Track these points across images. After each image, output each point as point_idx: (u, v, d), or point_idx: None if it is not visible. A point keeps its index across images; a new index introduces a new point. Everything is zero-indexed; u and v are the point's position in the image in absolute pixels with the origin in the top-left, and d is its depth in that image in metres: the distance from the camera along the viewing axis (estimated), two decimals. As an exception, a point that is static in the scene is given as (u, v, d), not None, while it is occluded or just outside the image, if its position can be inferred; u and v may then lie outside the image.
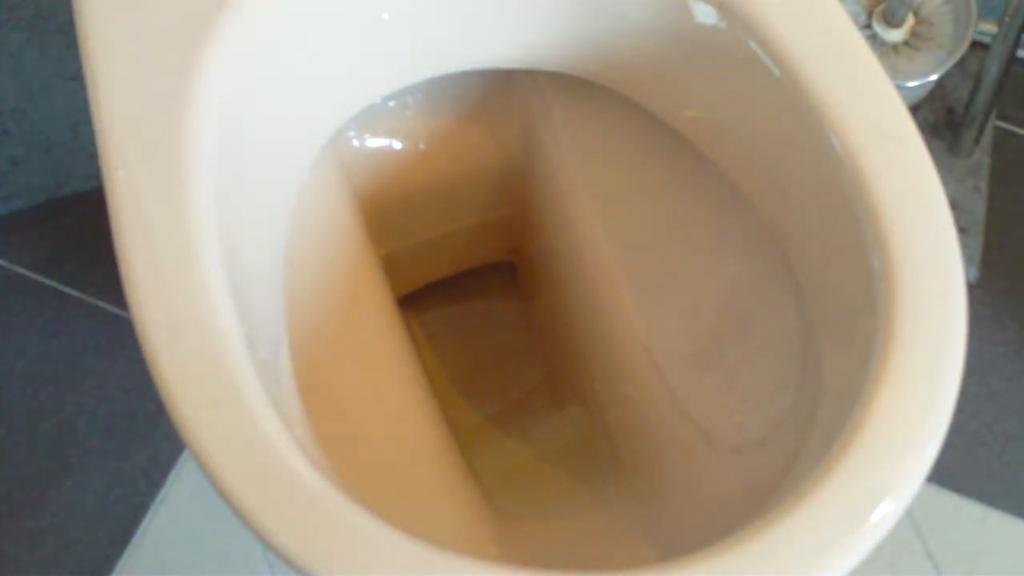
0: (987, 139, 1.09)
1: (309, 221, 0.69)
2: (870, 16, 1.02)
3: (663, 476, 0.71)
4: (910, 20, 1.01)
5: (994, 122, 1.12)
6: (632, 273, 0.74)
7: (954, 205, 1.06)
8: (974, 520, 0.95)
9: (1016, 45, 0.96)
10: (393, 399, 0.68)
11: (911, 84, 0.99)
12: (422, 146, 0.79)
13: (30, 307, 1.03)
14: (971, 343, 0.52)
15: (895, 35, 1.01)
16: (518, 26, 0.67)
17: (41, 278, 1.05)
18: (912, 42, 1.01)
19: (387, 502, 0.54)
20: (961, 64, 1.11)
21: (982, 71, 1.00)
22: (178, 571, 0.93)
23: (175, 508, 0.95)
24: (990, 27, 0.98)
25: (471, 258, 0.92)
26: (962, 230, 1.05)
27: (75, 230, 1.07)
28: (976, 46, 1.08)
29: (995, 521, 0.95)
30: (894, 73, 1.00)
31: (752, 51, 0.59)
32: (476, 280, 0.94)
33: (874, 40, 1.01)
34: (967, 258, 1.04)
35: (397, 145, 0.79)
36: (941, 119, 1.11)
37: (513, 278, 0.95)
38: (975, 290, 1.05)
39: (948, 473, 0.97)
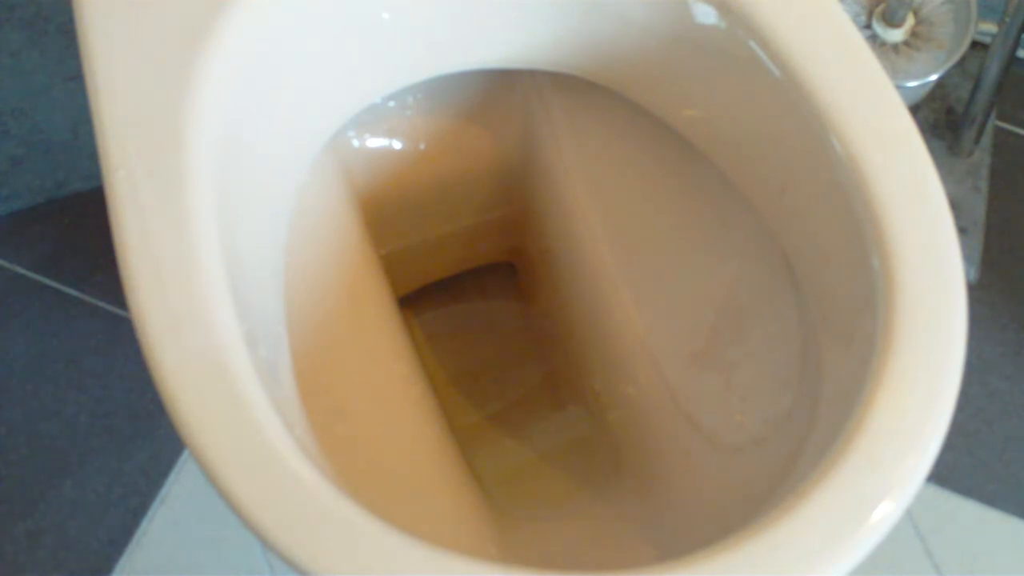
0: (987, 139, 1.09)
1: (309, 221, 0.69)
2: (870, 16, 1.02)
3: (663, 476, 0.71)
4: (910, 20, 1.01)
5: (994, 122, 1.12)
6: (632, 273, 0.74)
7: (954, 205, 1.06)
8: (974, 520, 0.95)
9: (1016, 45, 0.96)
10: (393, 399, 0.68)
11: (911, 84, 0.99)
12: (422, 146, 0.79)
13: (30, 307, 1.03)
14: (971, 343, 0.52)
15: (895, 35, 1.01)
16: (518, 26, 0.67)
17: (41, 278, 1.05)
18: (912, 42, 1.01)
19: (387, 502, 0.54)
20: (961, 64, 1.11)
21: (982, 71, 1.00)
22: (178, 571, 0.93)
23: (175, 508, 0.95)
24: (990, 27, 0.98)
25: (471, 258, 0.92)
26: (962, 230, 1.05)
27: (75, 230, 1.07)
28: (976, 46, 1.08)
29: (995, 521, 0.95)
30: (894, 73, 1.00)
31: (752, 51, 0.59)
32: (476, 280, 0.94)
33: (874, 40, 1.01)
34: (967, 258, 1.05)
35: (397, 145, 0.79)
36: (941, 119, 1.11)
37: (513, 278, 0.95)
38: (975, 290, 1.05)
39: (948, 473, 0.97)
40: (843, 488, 0.47)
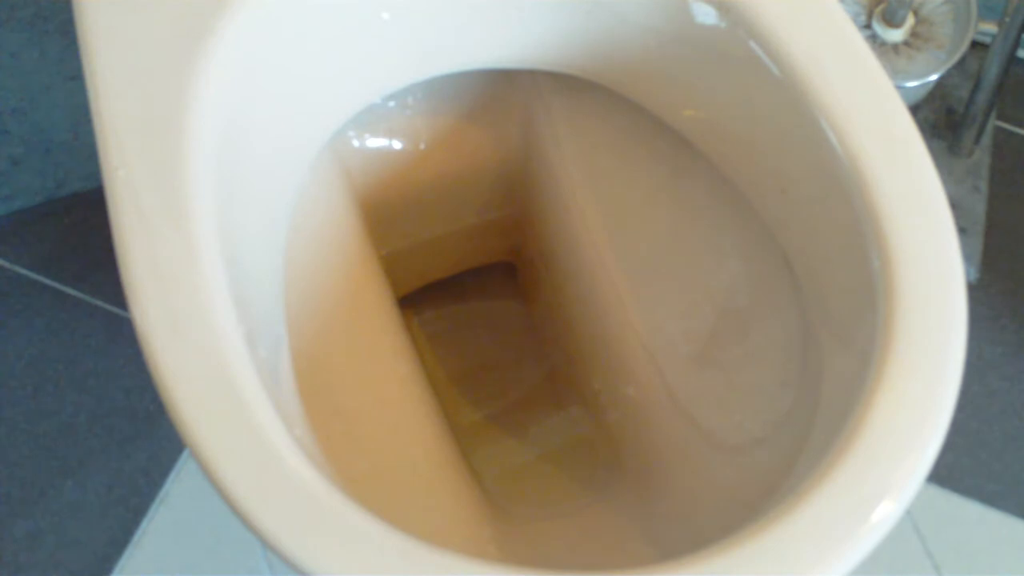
0: (987, 139, 1.09)
1: (309, 221, 0.69)
2: (870, 16, 1.02)
3: (663, 476, 0.71)
4: (910, 20, 1.01)
5: (994, 122, 1.12)
6: (632, 273, 0.74)
7: (954, 205, 1.06)
8: (974, 520, 0.95)
9: (1016, 45, 0.96)
10: (393, 399, 0.68)
11: (911, 84, 0.99)
12: (422, 146, 0.79)
13: (30, 307, 1.03)
14: (971, 343, 0.52)
15: (895, 35, 1.01)
16: (518, 26, 0.67)
17: (41, 278, 1.05)
18: (912, 42, 1.01)
19: (387, 502, 0.54)
20: (961, 64, 1.11)
21: (982, 71, 1.00)
22: (178, 571, 0.93)
23: (175, 508, 0.95)
24: (990, 27, 0.98)
25: (471, 258, 0.92)
26: (962, 230, 1.05)
27: (75, 230, 1.07)
28: (976, 46, 1.08)
29: (995, 521, 0.95)
30: (894, 73, 1.00)
31: (752, 51, 0.59)
32: (476, 280, 0.94)
33: (874, 40, 1.01)
34: (967, 258, 1.05)
35: (397, 145, 0.79)
36: (941, 119, 1.11)
37: (513, 278, 0.95)
38: (975, 290, 1.05)
39: (948, 473, 0.97)
40: (843, 488, 0.47)
